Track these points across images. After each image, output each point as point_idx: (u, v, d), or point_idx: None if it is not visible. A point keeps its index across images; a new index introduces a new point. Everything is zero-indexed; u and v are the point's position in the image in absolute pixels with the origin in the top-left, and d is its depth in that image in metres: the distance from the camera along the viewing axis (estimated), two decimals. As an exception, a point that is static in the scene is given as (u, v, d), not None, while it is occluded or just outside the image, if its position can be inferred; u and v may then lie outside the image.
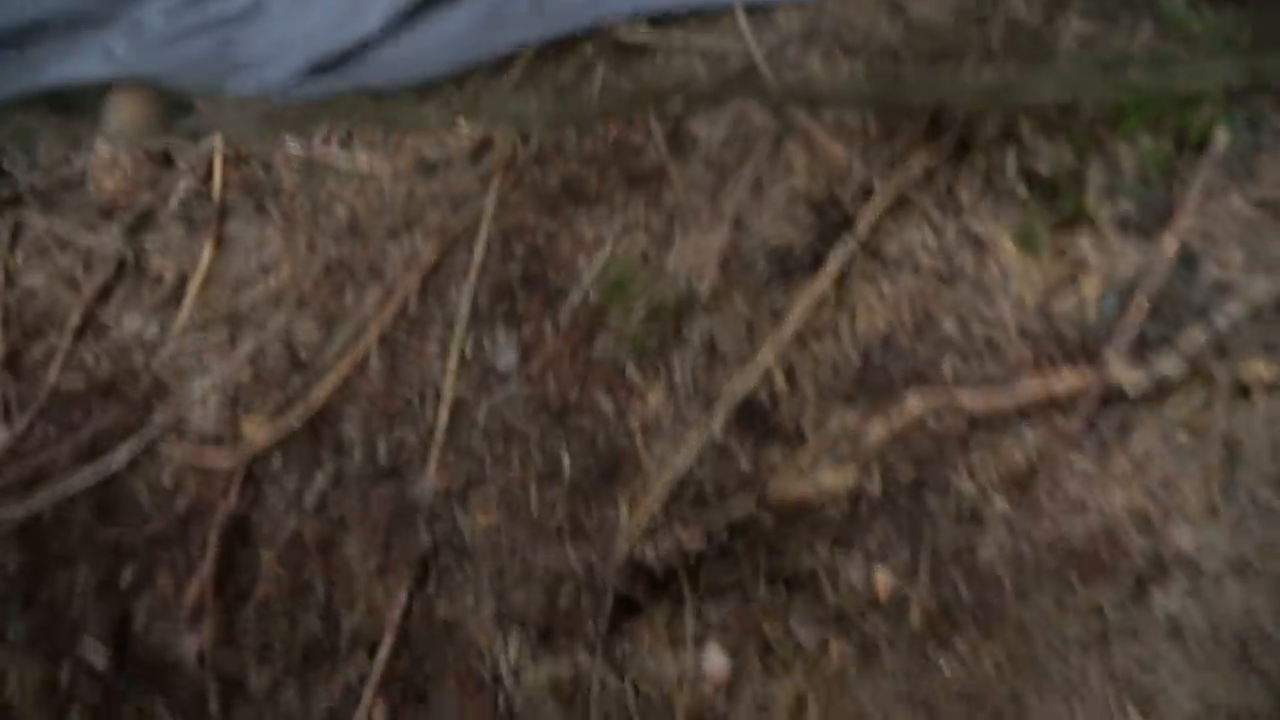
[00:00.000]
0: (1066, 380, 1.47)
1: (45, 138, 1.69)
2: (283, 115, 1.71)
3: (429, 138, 1.62)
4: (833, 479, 1.46)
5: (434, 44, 1.67)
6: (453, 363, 1.41)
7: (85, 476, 1.39)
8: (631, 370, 1.44)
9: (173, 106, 1.71)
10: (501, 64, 1.60)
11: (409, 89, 1.66)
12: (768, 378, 1.44)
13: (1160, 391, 1.46)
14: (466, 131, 1.61)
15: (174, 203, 1.61)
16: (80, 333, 1.49)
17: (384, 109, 1.62)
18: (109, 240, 1.55)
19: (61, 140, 1.68)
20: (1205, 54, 1.46)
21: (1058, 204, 1.48)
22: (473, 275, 1.44)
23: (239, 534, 1.41)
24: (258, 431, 1.38)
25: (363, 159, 1.63)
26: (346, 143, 1.66)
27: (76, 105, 1.71)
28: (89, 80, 1.68)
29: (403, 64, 1.68)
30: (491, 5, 1.63)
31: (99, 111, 1.70)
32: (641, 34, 1.55)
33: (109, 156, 1.61)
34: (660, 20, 1.55)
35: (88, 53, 1.72)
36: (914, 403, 1.47)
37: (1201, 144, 1.47)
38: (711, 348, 1.44)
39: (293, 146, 1.65)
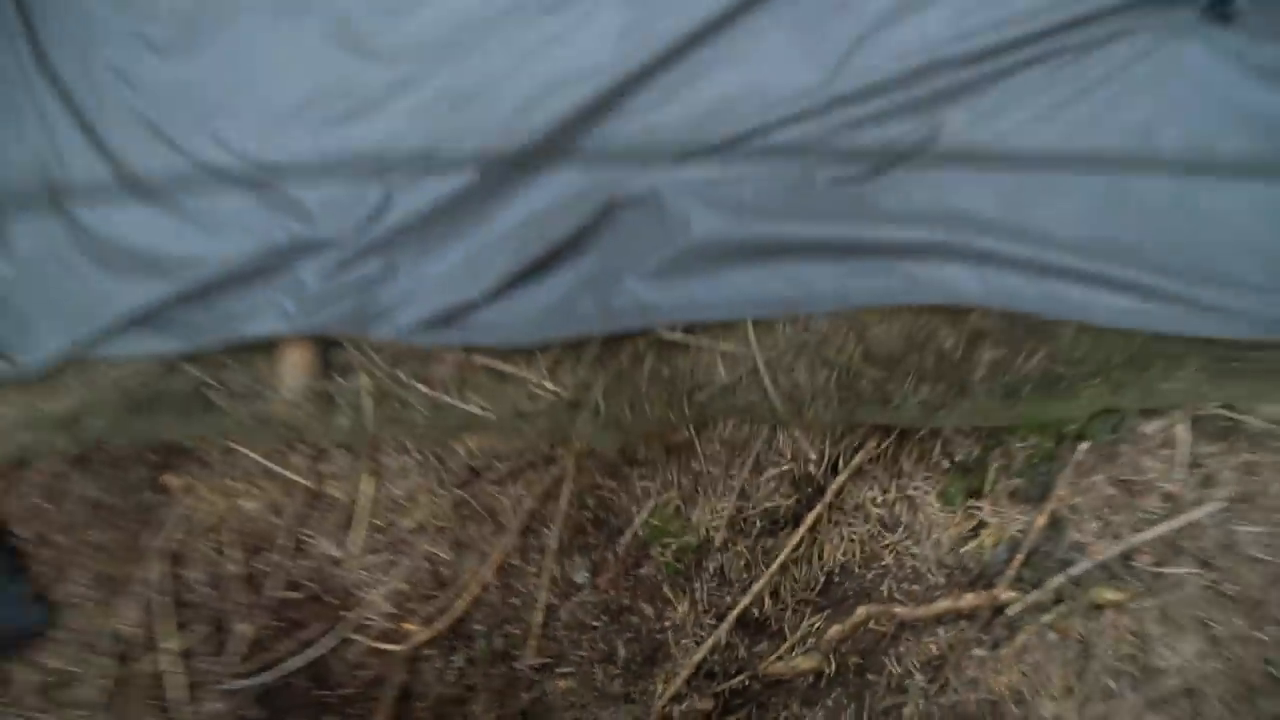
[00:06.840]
0: (969, 600, 2.10)
1: (235, 374, 2.30)
2: (409, 357, 2.31)
3: (523, 390, 2.23)
4: (803, 662, 2.11)
5: (524, 317, 2.27)
6: (545, 579, 2.07)
7: (302, 658, 2.07)
8: (666, 588, 2.08)
9: (325, 346, 2.31)
10: (576, 344, 2.20)
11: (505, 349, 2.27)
12: (760, 596, 2.08)
13: (1036, 608, 2.09)
14: (552, 388, 2.22)
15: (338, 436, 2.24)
16: (291, 552, 2.13)
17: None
18: (297, 471, 2.19)
19: (247, 378, 2.29)
20: (1083, 376, 2.03)
21: (970, 478, 2.08)
22: (559, 520, 2.08)
23: (404, 697, 2.10)
24: (417, 632, 2.05)
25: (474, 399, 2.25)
26: (460, 388, 2.27)
27: (251, 347, 2.30)
28: (274, 336, 2.28)
29: (500, 328, 2.28)
30: (565, 299, 2.22)
31: (270, 353, 2.29)
32: (679, 335, 2.15)
33: (289, 398, 2.22)
34: (692, 327, 2.15)
35: (268, 311, 2.31)
36: (861, 612, 2.11)
37: (1078, 438, 2.07)
38: (722, 575, 2.08)
39: (422, 388, 2.27)
